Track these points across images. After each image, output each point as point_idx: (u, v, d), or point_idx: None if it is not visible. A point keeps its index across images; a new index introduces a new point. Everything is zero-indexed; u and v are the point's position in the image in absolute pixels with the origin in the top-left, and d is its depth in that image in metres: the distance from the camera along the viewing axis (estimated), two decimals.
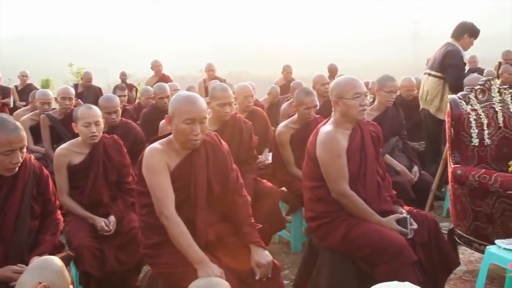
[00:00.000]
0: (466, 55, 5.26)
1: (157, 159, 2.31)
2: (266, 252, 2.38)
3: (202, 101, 2.36)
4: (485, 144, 3.27)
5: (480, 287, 2.61)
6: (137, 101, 7.63)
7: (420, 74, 7.54)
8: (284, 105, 5.58)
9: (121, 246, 2.89)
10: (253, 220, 2.47)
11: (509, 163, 2.37)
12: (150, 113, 4.98)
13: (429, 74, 5.10)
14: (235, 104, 4.58)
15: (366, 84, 6.08)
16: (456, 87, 4.61)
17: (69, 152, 3.09)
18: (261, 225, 2.52)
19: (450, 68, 4.84)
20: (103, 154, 3.10)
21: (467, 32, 5.02)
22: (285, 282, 3.24)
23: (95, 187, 3.05)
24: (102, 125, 3.13)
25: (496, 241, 2.56)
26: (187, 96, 2.36)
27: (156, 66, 8.19)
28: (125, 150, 3.27)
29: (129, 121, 4.21)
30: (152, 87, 5.79)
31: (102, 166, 3.08)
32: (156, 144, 2.38)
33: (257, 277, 2.28)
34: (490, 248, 2.54)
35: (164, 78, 7.76)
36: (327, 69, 8.68)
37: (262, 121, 4.60)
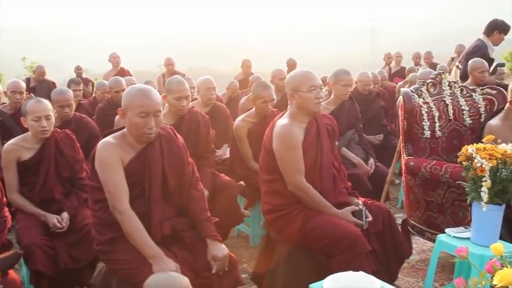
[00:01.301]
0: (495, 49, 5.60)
1: (110, 153, 2.26)
2: (223, 245, 2.37)
3: (156, 94, 2.32)
4: (436, 136, 3.37)
5: (430, 275, 2.68)
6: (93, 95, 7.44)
7: (377, 69, 7.72)
8: (242, 100, 5.57)
9: (75, 243, 2.82)
10: (209, 214, 2.46)
11: (458, 153, 2.43)
12: (105, 107, 4.86)
13: (457, 67, 5.56)
14: (196, 98, 4.55)
15: (324, 79, 6.16)
16: (466, 79, 4.96)
17: (18, 147, 2.97)
18: (217, 219, 2.51)
19: (467, 60, 5.18)
20: (54, 149, 3.01)
21: (497, 29, 5.39)
22: (244, 275, 3.24)
23: (46, 183, 2.95)
24: (53, 120, 3.02)
25: (446, 230, 2.64)
26: (141, 88, 2.32)
27: (113, 59, 8.00)
28: (79, 145, 3.19)
29: (83, 115, 4.10)
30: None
31: (54, 161, 2.99)
32: (109, 138, 2.33)
33: (213, 271, 2.27)
34: (440, 237, 2.61)
35: (123, 72, 7.60)
36: (286, 64, 8.73)
37: (223, 117, 4.57)
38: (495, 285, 1.25)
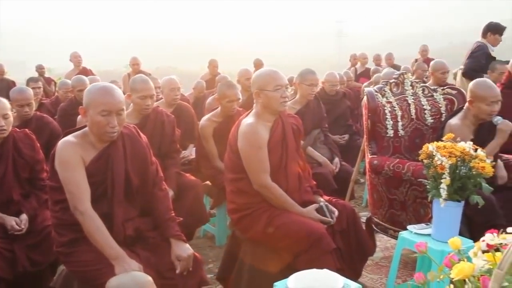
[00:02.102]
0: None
1: (71, 152, 2.20)
2: (187, 245, 2.35)
3: (119, 92, 2.28)
4: (399, 135, 3.43)
5: (393, 271, 2.73)
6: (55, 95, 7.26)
7: (343, 70, 7.82)
8: (209, 99, 5.53)
9: (34, 246, 2.73)
10: (173, 214, 2.44)
11: (419, 152, 2.48)
12: (68, 107, 4.75)
13: (460, 69, 5.77)
14: (160, 98, 4.49)
15: (291, 79, 6.20)
16: (468, 76, 5.23)
17: None
18: (181, 218, 2.49)
19: (469, 58, 5.48)
20: (13, 150, 2.90)
21: (489, 30, 5.61)
22: (210, 275, 3.23)
23: (4, 184, 2.85)
24: (11, 119, 2.92)
25: (408, 227, 2.69)
26: (103, 86, 2.27)
27: (75, 58, 7.82)
28: (39, 145, 3.10)
29: (44, 115, 3.99)
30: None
31: (12, 162, 2.88)
32: (70, 137, 2.27)
33: (177, 271, 2.24)
34: (403, 234, 2.66)
35: (85, 72, 7.43)
36: (253, 64, 8.74)
37: (188, 116, 4.54)
38: (453, 279, 1.28)
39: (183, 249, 2.29)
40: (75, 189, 2.16)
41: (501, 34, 5.65)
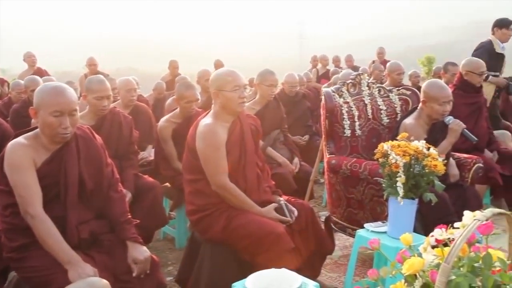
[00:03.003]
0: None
1: (21, 154, 2.13)
2: (144, 248, 2.31)
3: (72, 92, 2.22)
4: (357, 135, 3.49)
5: (351, 269, 2.77)
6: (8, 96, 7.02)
7: (303, 71, 7.91)
8: (169, 100, 5.48)
9: None
10: (129, 216, 2.39)
11: (375, 151, 2.53)
12: (21, 108, 4.60)
13: None
14: (118, 99, 4.41)
15: (252, 80, 6.21)
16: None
17: None
18: (138, 221, 2.45)
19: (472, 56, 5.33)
20: None
21: (495, 26, 5.53)
22: (169, 278, 3.20)
23: None
24: None
25: (365, 225, 2.73)
26: (54, 86, 2.21)
27: (28, 58, 7.58)
28: None
29: None
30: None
31: None
32: (20, 139, 2.20)
33: (134, 274, 2.20)
34: (360, 232, 2.70)
35: (40, 72, 7.22)
36: (213, 65, 8.72)
37: (145, 117, 4.48)
38: (404, 274, 1.30)
39: (140, 252, 2.25)
40: (26, 192, 2.09)
41: (508, 28, 5.50)
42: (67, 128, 2.15)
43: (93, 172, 2.31)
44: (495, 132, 4.66)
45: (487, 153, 4.21)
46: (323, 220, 3.61)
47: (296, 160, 4.23)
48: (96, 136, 2.42)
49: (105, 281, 1.80)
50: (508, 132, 4.81)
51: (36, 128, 2.25)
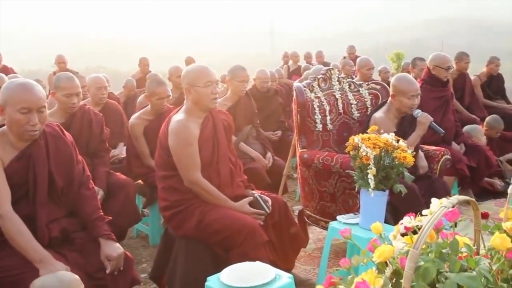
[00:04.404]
0: None
1: None
2: (117, 244, 2.29)
3: (40, 88, 2.18)
4: (328, 129, 3.53)
5: (324, 260, 2.81)
6: None
7: (275, 68, 7.95)
8: (140, 98, 5.41)
9: None
10: (101, 213, 2.37)
11: (346, 144, 2.58)
12: None
13: None
14: (87, 97, 4.35)
15: (224, 77, 6.21)
16: None
17: None
18: (110, 217, 2.43)
19: None
20: None
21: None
22: (143, 275, 3.18)
23: None
24: None
25: (338, 217, 2.78)
26: (22, 83, 2.17)
27: None
28: None
29: None
30: None
31: None
32: None
33: (107, 271, 2.18)
34: (332, 224, 2.74)
35: (6, 70, 7.03)
36: (185, 62, 8.66)
37: (116, 115, 4.43)
38: (375, 261, 1.34)
39: (113, 249, 2.23)
40: None
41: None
42: (35, 125, 2.11)
43: (63, 169, 2.28)
44: (468, 127, 4.79)
45: (454, 145, 4.33)
46: (297, 214, 3.64)
47: (269, 154, 4.25)
48: (66, 133, 2.39)
49: (75, 276, 1.79)
50: (479, 127, 4.93)
51: (2, 125, 2.20)
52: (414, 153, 2.56)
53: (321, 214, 3.33)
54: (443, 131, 3.36)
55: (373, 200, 2.51)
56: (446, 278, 1.16)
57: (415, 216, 1.39)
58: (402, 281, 1.11)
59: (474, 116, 5.37)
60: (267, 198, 2.77)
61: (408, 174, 2.52)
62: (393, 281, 1.28)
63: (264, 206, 2.72)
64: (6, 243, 2.05)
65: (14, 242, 2.04)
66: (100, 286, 2.16)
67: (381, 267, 1.32)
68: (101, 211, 2.38)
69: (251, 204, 2.73)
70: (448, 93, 4.49)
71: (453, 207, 1.24)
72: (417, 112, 3.26)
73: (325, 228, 3.33)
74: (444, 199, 1.25)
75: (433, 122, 3.28)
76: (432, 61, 4.40)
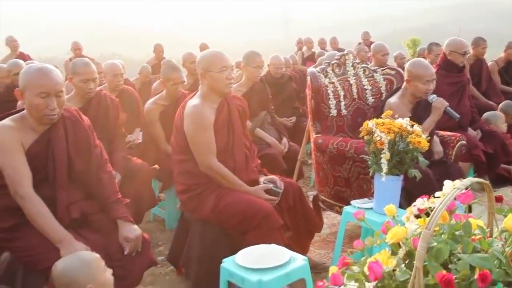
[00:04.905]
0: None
1: (8, 136, 2.14)
2: (135, 226, 2.34)
3: (58, 73, 2.23)
4: (342, 114, 3.53)
5: (339, 245, 2.83)
6: None
7: (289, 55, 7.92)
8: (155, 84, 5.46)
9: None
10: (119, 196, 2.42)
11: (360, 129, 2.58)
12: (4, 93, 4.56)
13: None
14: (104, 83, 4.40)
15: (239, 63, 6.21)
16: None
17: None
18: (128, 200, 2.47)
19: None
20: None
21: None
22: (160, 258, 3.25)
23: None
24: None
25: (352, 202, 2.79)
26: (40, 67, 2.21)
27: (11, 42, 7.46)
28: None
29: None
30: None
31: None
32: (7, 121, 2.20)
33: (125, 252, 2.24)
34: (346, 208, 2.76)
35: (23, 57, 7.12)
36: (199, 49, 8.67)
37: (132, 100, 4.46)
38: (388, 242, 1.36)
39: (131, 230, 2.28)
40: (14, 173, 2.10)
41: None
42: (54, 109, 2.15)
43: (82, 153, 2.33)
44: (488, 113, 4.72)
45: (470, 131, 4.29)
46: (311, 199, 3.66)
47: (284, 140, 4.27)
48: (84, 117, 2.43)
49: (96, 255, 1.84)
50: (500, 114, 4.85)
51: (22, 110, 2.25)
52: (429, 138, 2.55)
53: (336, 199, 3.35)
54: (458, 115, 3.33)
55: (387, 185, 2.51)
56: (458, 259, 1.17)
57: (428, 198, 1.40)
58: (414, 262, 1.13)
59: (491, 102, 5.30)
60: (275, 178, 2.78)
61: (423, 159, 2.52)
62: (406, 262, 1.30)
63: (277, 189, 2.74)
64: (28, 224, 2.11)
65: (35, 223, 2.09)
66: (119, 267, 2.20)
67: (395, 248, 1.34)
68: (119, 193, 2.43)
69: (267, 192, 2.75)
70: (464, 79, 4.44)
71: (466, 189, 1.25)
72: (432, 97, 3.24)
73: (340, 213, 3.35)
74: (457, 181, 1.26)
75: (448, 107, 3.25)
76: (448, 46, 4.36)
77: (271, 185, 2.78)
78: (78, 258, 1.77)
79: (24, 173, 2.12)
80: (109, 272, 1.78)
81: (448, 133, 3.60)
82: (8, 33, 7.92)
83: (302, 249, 2.91)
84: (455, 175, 3.29)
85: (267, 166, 3.15)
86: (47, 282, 1.81)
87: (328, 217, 3.94)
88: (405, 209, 2.61)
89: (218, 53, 2.81)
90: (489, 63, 5.95)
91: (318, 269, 2.96)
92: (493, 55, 6.38)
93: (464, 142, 3.50)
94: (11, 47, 7.50)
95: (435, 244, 1.20)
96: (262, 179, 2.84)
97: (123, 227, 2.29)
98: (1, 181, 2.13)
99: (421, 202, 1.40)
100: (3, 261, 2.33)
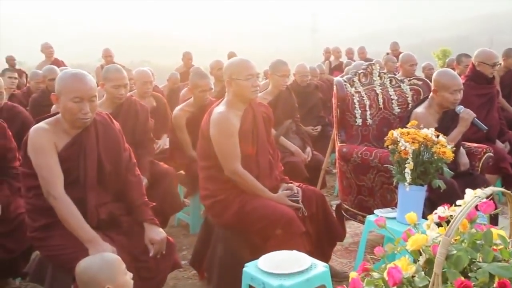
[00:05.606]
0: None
1: (43, 138, 2.23)
2: (160, 229, 2.40)
3: (91, 79, 2.31)
4: (368, 124, 3.54)
5: (361, 254, 2.84)
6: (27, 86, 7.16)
7: (316, 64, 7.93)
8: (183, 91, 5.55)
9: (7, 233, 2.74)
10: (146, 199, 2.48)
11: (385, 138, 2.59)
12: (40, 98, 4.71)
13: None
14: (133, 89, 4.51)
15: (266, 72, 6.28)
16: None
17: None
18: (154, 203, 2.54)
19: None
20: None
21: None
22: (183, 262, 3.28)
23: None
24: None
25: (375, 211, 2.79)
26: (75, 73, 2.30)
27: (46, 49, 7.70)
28: (11, 134, 3.10)
29: (16, 104, 3.96)
30: None
31: None
32: (42, 124, 2.30)
33: (151, 254, 2.30)
34: (369, 217, 2.76)
35: (57, 63, 7.34)
36: (227, 57, 8.77)
37: (161, 107, 4.57)
38: (409, 249, 1.37)
39: (156, 233, 2.34)
40: (48, 174, 2.18)
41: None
42: (87, 113, 2.23)
43: (112, 156, 2.40)
44: None
45: (498, 143, 4.23)
46: (335, 208, 3.67)
47: (308, 149, 4.29)
48: (114, 122, 2.51)
49: (117, 256, 1.89)
50: None
51: (57, 113, 2.34)
52: (454, 148, 2.54)
53: (359, 208, 3.35)
54: (486, 127, 3.30)
55: (411, 195, 2.51)
56: (478, 268, 1.18)
57: (449, 206, 1.41)
58: (434, 269, 1.14)
59: None
60: (292, 186, 2.83)
61: (448, 169, 2.51)
62: (426, 270, 1.31)
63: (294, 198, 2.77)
64: (59, 224, 2.19)
65: (66, 223, 2.17)
66: (144, 268, 2.27)
67: (415, 255, 1.35)
68: (146, 197, 2.49)
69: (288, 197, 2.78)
70: (494, 90, 4.38)
71: (487, 198, 1.26)
72: (460, 108, 3.22)
73: (363, 223, 3.34)
74: (478, 189, 1.26)
75: (475, 119, 3.23)
76: (477, 57, 4.31)
77: (289, 192, 2.81)
78: (101, 258, 1.82)
79: (57, 174, 2.20)
80: (129, 276, 1.83)
81: (475, 144, 3.56)
82: (40, 41, 8.16)
83: (324, 257, 2.91)
84: (480, 187, 3.26)
85: (289, 174, 3.18)
86: (74, 281, 1.87)
87: (351, 226, 3.93)
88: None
89: (244, 61, 2.86)
90: None
91: (339, 278, 2.96)
92: None
93: (491, 154, 3.45)
94: (46, 54, 7.74)
95: (454, 252, 1.21)
96: (281, 188, 2.86)
97: (149, 230, 2.35)
98: (35, 182, 2.22)
99: (442, 210, 1.41)
100: (33, 260, 2.42)
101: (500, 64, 4.95)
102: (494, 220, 2.80)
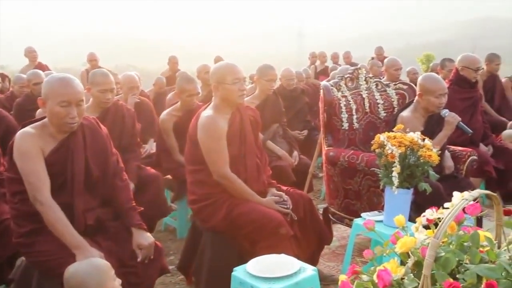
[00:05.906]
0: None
1: (30, 143, 2.21)
2: (148, 234, 2.39)
3: (78, 83, 2.29)
4: (354, 128, 3.57)
5: (348, 257, 2.85)
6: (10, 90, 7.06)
7: (302, 68, 7.98)
8: (169, 96, 5.54)
9: None
10: (134, 204, 2.47)
11: (371, 142, 2.61)
12: (24, 102, 4.66)
13: None
14: (120, 93, 4.48)
15: (253, 76, 6.29)
16: None
17: None
18: (142, 208, 2.52)
19: None
20: None
21: None
22: (171, 267, 3.26)
23: None
24: None
25: (362, 214, 2.82)
26: (62, 77, 2.28)
27: (30, 53, 7.61)
28: None
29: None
30: None
31: None
32: (28, 128, 2.27)
33: (139, 259, 2.28)
34: (357, 221, 2.78)
35: (41, 67, 7.26)
36: (214, 62, 8.77)
37: (147, 111, 4.55)
38: (398, 252, 1.38)
39: (144, 238, 2.33)
40: (34, 179, 2.16)
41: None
42: (74, 118, 2.22)
43: (99, 160, 2.38)
44: (506, 132, 4.70)
45: (482, 147, 4.29)
46: (322, 211, 3.68)
47: (295, 153, 4.31)
48: (102, 126, 2.49)
49: (107, 262, 1.88)
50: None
51: (43, 118, 2.32)
52: (440, 152, 2.57)
53: (346, 211, 3.37)
54: (471, 131, 3.35)
55: (398, 198, 2.53)
56: (466, 269, 1.20)
57: (437, 209, 1.43)
58: (423, 271, 1.15)
59: (503, 118, 5.28)
60: (282, 194, 2.83)
61: (433, 173, 2.54)
62: (415, 272, 1.32)
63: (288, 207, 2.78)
64: (45, 229, 2.16)
65: (53, 228, 2.15)
66: (132, 273, 2.26)
67: (403, 258, 1.37)
68: (134, 202, 2.48)
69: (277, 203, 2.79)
70: (477, 94, 4.45)
71: (474, 201, 1.28)
72: (445, 112, 3.26)
73: (350, 226, 3.36)
74: (465, 192, 1.28)
75: (460, 122, 3.28)
76: (461, 62, 4.38)
77: (278, 199, 2.82)
78: (90, 263, 1.81)
79: (44, 179, 2.17)
80: (118, 282, 1.81)
81: (460, 148, 3.62)
82: (23, 45, 8.07)
83: (311, 261, 2.91)
84: (465, 190, 3.29)
85: (277, 178, 3.18)
86: (61, 287, 1.85)
87: (338, 230, 3.95)
88: (414, 222, 2.64)
89: (230, 65, 2.87)
90: (503, 80, 5.95)
91: (327, 281, 2.98)
92: (508, 72, 6.37)
93: (475, 157, 3.51)
94: (30, 58, 7.65)
95: (443, 254, 1.23)
96: (269, 194, 2.87)
97: (137, 235, 2.33)
98: (21, 187, 2.19)
99: (430, 213, 1.42)
100: (19, 266, 2.38)
101: (483, 68, 5.03)
102: (479, 222, 2.84)
